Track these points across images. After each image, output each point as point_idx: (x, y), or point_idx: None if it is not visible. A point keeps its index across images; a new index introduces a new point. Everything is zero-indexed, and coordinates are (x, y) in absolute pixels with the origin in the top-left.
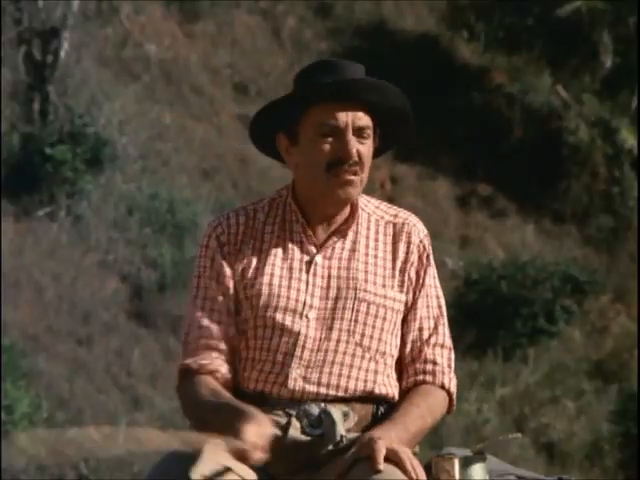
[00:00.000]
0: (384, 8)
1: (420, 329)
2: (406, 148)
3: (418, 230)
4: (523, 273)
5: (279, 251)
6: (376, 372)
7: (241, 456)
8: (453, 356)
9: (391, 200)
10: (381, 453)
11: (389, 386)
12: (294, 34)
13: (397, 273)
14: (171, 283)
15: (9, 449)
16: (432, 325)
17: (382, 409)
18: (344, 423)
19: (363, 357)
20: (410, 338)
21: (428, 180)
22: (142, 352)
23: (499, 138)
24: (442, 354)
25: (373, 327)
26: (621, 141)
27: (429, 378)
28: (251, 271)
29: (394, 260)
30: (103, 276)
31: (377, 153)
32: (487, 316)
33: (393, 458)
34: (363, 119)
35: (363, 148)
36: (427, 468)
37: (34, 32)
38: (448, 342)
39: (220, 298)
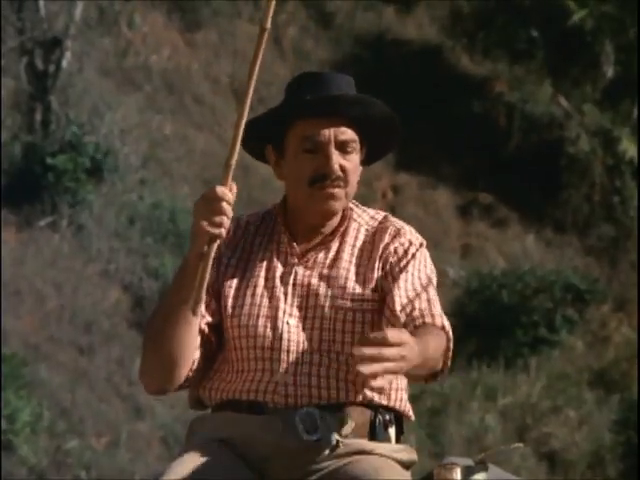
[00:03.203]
0: (385, 18)
1: (407, 290)
2: (407, 157)
3: (407, 230)
4: (524, 282)
5: (264, 263)
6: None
7: (218, 207)
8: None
9: (392, 209)
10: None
11: (382, 392)
12: (295, 44)
13: (377, 264)
14: None
15: (10, 458)
16: (419, 288)
17: (380, 417)
18: (341, 429)
19: (347, 362)
20: (397, 298)
21: (429, 189)
22: None
23: (500, 147)
24: (435, 306)
25: (352, 333)
26: (622, 151)
27: (429, 320)
28: (235, 282)
29: (374, 251)
30: (105, 286)
31: (367, 162)
32: (488, 325)
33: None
34: (346, 133)
35: (347, 162)
36: (429, 478)
37: (36, 42)
38: (435, 299)
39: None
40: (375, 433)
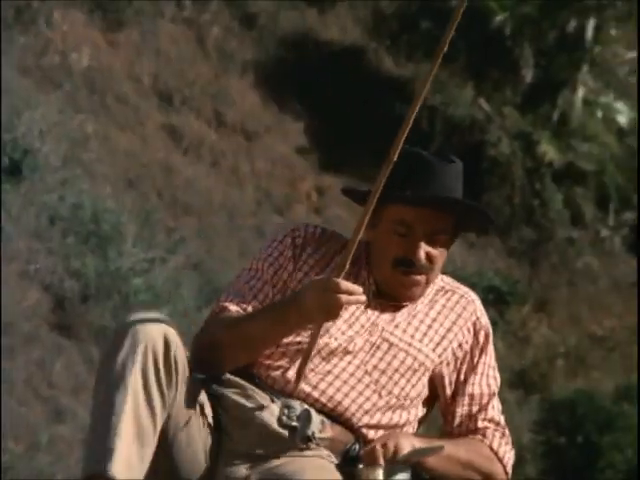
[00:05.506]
0: (308, 19)
1: (470, 405)
2: (332, 159)
3: (475, 306)
4: None
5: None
6: (374, 405)
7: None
8: (508, 433)
9: (318, 211)
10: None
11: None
12: (219, 44)
13: (438, 337)
14: (94, 294)
15: None
16: (483, 402)
17: (357, 447)
18: (319, 430)
19: (368, 386)
20: (459, 412)
21: None
22: (64, 363)
23: (422, 149)
24: (494, 427)
25: (395, 370)
26: (541, 154)
27: (479, 437)
28: (308, 277)
29: (441, 323)
30: (24, 287)
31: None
32: None
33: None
34: (441, 226)
35: (435, 251)
36: (352, 477)
37: None
38: (501, 419)
39: (269, 283)
40: (347, 456)
